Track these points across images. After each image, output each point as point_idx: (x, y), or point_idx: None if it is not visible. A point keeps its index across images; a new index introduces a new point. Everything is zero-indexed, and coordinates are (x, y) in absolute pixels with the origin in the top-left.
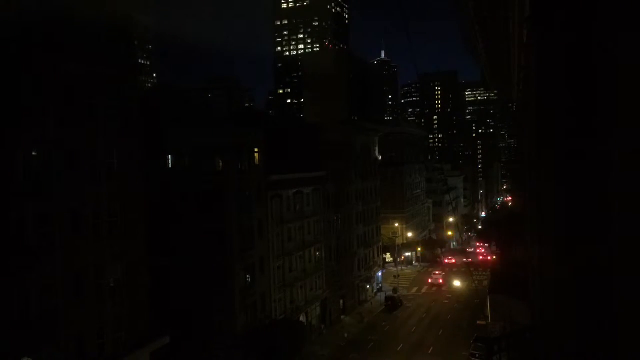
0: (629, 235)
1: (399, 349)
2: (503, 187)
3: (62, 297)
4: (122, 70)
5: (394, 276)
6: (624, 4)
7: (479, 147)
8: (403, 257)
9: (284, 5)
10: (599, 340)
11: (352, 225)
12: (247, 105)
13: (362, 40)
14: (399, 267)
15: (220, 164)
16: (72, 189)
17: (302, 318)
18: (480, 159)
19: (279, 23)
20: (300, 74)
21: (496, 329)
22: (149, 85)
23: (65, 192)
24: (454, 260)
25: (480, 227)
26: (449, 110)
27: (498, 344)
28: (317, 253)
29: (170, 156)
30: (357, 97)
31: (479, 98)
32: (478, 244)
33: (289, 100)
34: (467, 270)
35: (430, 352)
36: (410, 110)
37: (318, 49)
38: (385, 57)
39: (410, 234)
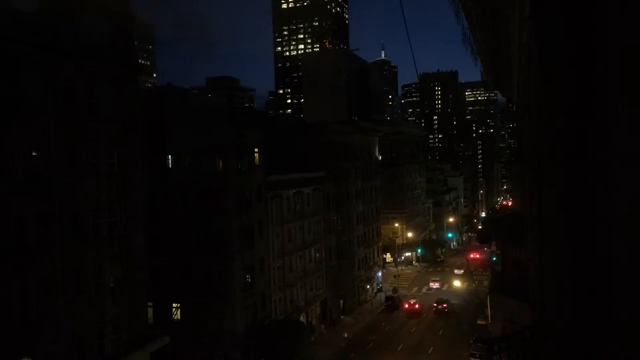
0: (631, 234)
1: (399, 349)
2: (503, 187)
3: (62, 297)
4: (122, 70)
5: (394, 276)
6: (625, 4)
7: (479, 147)
8: (403, 257)
9: (284, 5)
10: (599, 341)
11: (352, 225)
12: (247, 105)
13: (362, 40)
14: (399, 267)
15: (220, 163)
16: (72, 189)
17: (302, 318)
18: (480, 159)
19: (278, 23)
20: (300, 74)
21: (496, 329)
22: (149, 85)
23: (65, 192)
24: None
25: (480, 227)
26: (449, 110)
27: (498, 344)
28: (317, 253)
29: (170, 156)
30: (357, 97)
31: (479, 98)
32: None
33: (289, 100)
34: (467, 271)
35: (430, 352)
36: (410, 110)
37: (318, 49)
38: (385, 57)
39: (410, 234)
